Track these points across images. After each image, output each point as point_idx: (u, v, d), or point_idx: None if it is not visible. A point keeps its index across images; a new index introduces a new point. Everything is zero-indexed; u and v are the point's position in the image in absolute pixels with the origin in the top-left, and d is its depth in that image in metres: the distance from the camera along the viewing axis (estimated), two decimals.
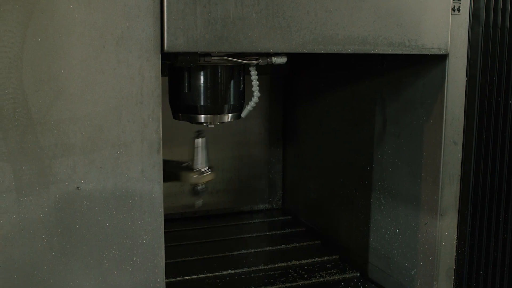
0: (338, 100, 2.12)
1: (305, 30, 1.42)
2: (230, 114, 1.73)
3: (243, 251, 2.12)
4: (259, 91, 1.68)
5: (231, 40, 1.36)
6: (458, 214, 1.69)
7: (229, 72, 1.70)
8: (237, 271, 1.96)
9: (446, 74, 1.58)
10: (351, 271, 1.98)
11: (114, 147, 1.31)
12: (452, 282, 1.72)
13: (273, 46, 1.40)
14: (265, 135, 2.53)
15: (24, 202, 1.26)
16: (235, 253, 2.10)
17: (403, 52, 1.53)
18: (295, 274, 1.95)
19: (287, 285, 1.88)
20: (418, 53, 1.54)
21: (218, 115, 1.71)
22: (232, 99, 1.72)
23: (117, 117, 1.30)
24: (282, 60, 1.58)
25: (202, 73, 1.67)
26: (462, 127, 1.64)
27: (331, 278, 1.94)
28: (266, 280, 1.89)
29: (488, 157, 1.70)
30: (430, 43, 1.55)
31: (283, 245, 2.19)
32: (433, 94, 1.63)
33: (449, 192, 1.66)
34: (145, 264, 1.38)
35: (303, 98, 2.38)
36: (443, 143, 1.62)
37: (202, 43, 1.33)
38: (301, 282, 1.89)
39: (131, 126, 1.31)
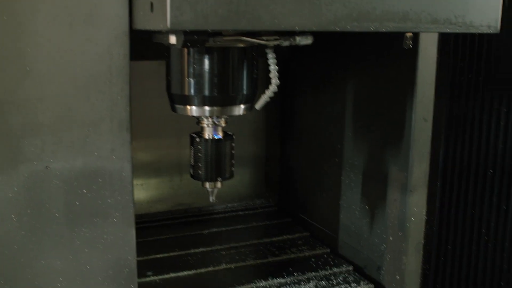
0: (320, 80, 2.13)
1: (337, 3, 1.22)
2: (242, 106, 1.52)
3: (214, 230, 2.13)
4: (278, 78, 1.45)
5: (249, 15, 1.15)
6: (428, 190, 1.71)
7: (241, 55, 1.47)
8: (208, 248, 1.97)
9: (418, 51, 1.59)
10: (321, 248, 2.01)
11: (83, 126, 1.30)
12: (421, 256, 1.75)
13: (299, 23, 1.20)
14: (262, 124, 2.42)
15: None
16: (206, 231, 2.11)
17: (448, 31, 1.36)
18: (266, 251, 1.96)
19: (258, 261, 1.89)
20: (465, 31, 1.37)
21: (228, 107, 1.50)
22: (245, 88, 1.50)
23: (85, 95, 1.29)
24: (307, 40, 1.36)
25: (208, 56, 1.44)
26: (432, 104, 1.65)
27: (302, 254, 1.96)
28: (237, 257, 1.91)
29: (458, 134, 1.72)
30: (479, 20, 1.37)
31: (254, 223, 2.21)
32: (404, 71, 1.64)
33: (419, 169, 1.68)
34: (116, 243, 1.38)
35: (303, 86, 2.27)
36: (413, 120, 1.64)
37: (213, 20, 1.13)
38: (272, 259, 1.91)
39: (100, 105, 1.30)
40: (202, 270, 1.81)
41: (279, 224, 2.23)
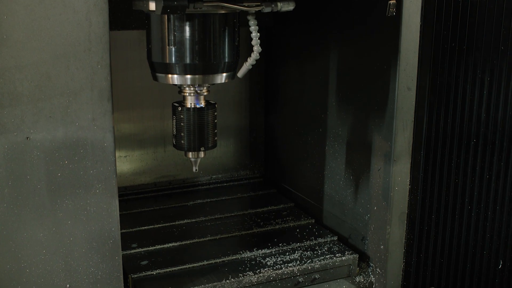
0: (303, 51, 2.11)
1: None
2: (224, 74, 1.50)
3: (198, 201, 2.13)
4: (260, 45, 1.45)
5: None
6: (411, 160, 1.71)
7: (222, 22, 1.45)
8: (193, 220, 1.97)
9: (402, 19, 1.57)
10: (306, 218, 2.01)
11: (63, 95, 1.28)
12: (405, 226, 1.76)
13: None
14: (246, 95, 2.39)
15: None
16: (190, 203, 2.11)
17: None
18: (251, 222, 1.96)
19: (243, 232, 1.89)
20: None
21: (210, 75, 1.48)
22: (226, 56, 1.48)
23: (65, 64, 1.26)
24: (289, 6, 1.39)
25: (189, 23, 1.42)
26: (416, 73, 1.64)
27: (287, 225, 1.96)
28: (222, 229, 1.91)
29: (441, 103, 1.72)
30: None
31: (239, 194, 2.20)
32: (387, 40, 1.63)
33: (403, 138, 1.68)
34: (99, 214, 1.37)
35: (286, 55, 2.23)
36: (397, 89, 1.63)
37: None
38: (257, 230, 1.91)
39: (79, 74, 1.28)
40: (187, 242, 1.81)
41: (264, 195, 2.22)
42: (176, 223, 1.93)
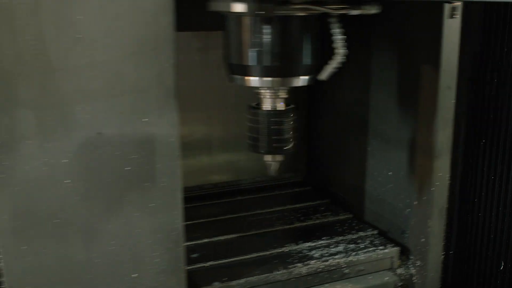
0: None
1: None
2: (305, 77, 1.49)
3: (238, 198, 2.19)
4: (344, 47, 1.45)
5: None
6: (450, 157, 1.78)
7: (305, 24, 1.44)
8: (235, 215, 2.03)
9: (444, 19, 1.64)
10: (344, 213, 2.07)
11: (133, 92, 1.34)
12: (444, 220, 1.82)
13: None
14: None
15: (48, 148, 1.28)
16: (230, 199, 2.18)
17: None
18: (291, 217, 2.02)
19: (285, 227, 1.96)
20: None
21: (290, 78, 1.47)
22: (308, 59, 1.46)
23: (134, 62, 1.32)
24: (375, 10, 1.39)
25: (272, 25, 1.40)
26: (456, 73, 1.71)
27: (326, 220, 2.02)
28: (265, 223, 1.97)
29: (478, 101, 1.78)
30: None
31: (276, 191, 2.26)
32: (430, 40, 1.69)
33: (444, 135, 1.74)
34: (164, 206, 1.42)
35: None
36: (438, 88, 1.70)
37: None
38: (298, 224, 1.98)
39: (148, 72, 1.34)
40: (233, 236, 1.87)
41: (300, 192, 2.28)
42: (219, 218, 1.99)
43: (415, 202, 1.82)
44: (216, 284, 1.60)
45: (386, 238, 1.92)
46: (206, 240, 1.83)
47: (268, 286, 1.65)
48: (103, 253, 1.39)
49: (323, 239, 1.86)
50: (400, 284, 1.82)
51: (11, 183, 1.27)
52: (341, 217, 2.04)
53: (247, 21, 1.44)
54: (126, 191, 1.38)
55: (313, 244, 1.83)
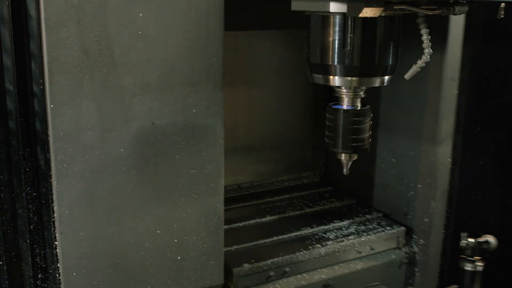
0: None
1: None
2: (385, 77, 1.51)
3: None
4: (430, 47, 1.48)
5: None
6: (452, 142, 1.93)
7: (390, 24, 1.46)
8: (247, 204, 2.13)
9: (449, 16, 1.78)
10: (348, 199, 2.20)
11: (184, 85, 1.42)
12: (446, 201, 1.98)
13: None
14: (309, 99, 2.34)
15: (107, 138, 1.36)
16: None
17: None
18: (300, 204, 2.14)
19: (297, 213, 2.07)
20: None
21: (371, 78, 1.49)
22: (389, 59, 1.48)
23: (187, 57, 1.41)
24: (464, 9, 1.40)
25: (361, 26, 1.41)
26: (459, 65, 1.86)
27: (333, 205, 2.15)
28: (277, 210, 2.08)
29: (479, 92, 1.94)
30: None
31: (284, 178, 2.36)
32: (436, 35, 1.83)
33: (447, 123, 1.90)
34: (208, 192, 1.52)
35: None
36: (443, 79, 1.84)
37: None
38: (308, 210, 2.10)
39: (198, 66, 1.43)
40: (251, 222, 1.98)
41: (304, 182, 2.39)
42: (234, 206, 2.09)
43: (419, 185, 1.97)
44: (246, 265, 1.70)
45: (391, 220, 2.06)
46: (226, 226, 1.93)
47: (292, 266, 1.77)
48: (152, 237, 1.47)
49: (334, 222, 1.98)
50: (405, 261, 1.97)
51: (72, 172, 1.34)
52: (346, 202, 2.17)
53: (333, 21, 1.46)
54: (175, 178, 1.47)
55: (326, 227, 1.96)
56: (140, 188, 1.43)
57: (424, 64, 1.55)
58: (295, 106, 2.30)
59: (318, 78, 1.53)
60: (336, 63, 1.47)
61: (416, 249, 2.00)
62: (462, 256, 1.56)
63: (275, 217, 2.02)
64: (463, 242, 1.57)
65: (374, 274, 1.90)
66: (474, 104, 1.94)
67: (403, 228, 1.99)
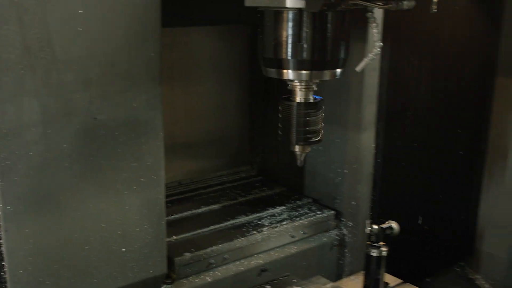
0: None
1: None
2: (339, 70, 1.55)
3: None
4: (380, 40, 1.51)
5: None
6: (375, 129, 2.06)
7: (342, 18, 1.49)
8: (181, 196, 2.18)
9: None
10: (278, 187, 2.29)
11: (124, 80, 1.45)
12: (371, 184, 2.11)
13: None
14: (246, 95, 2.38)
15: (50, 134, 1.37)
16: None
17: None
18: (232, 194, 2.21)
19: (230, 202, 2.14)
20: None
21: (324, 71, 1.52)
22: (341, 52, 1.52)
23: (126, 53, 1.44)
24: (411, 3, 1.43)
25: (313, 20, 1.43)
26: (379, 56, 1.98)
27: (264, 193, 2.24)
28: (211, 201, 2.13)
29: (399, 81, 2.08)
30: None
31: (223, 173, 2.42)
32: (359, 31, 1.94)
33: (369, 110, 2.02)
34: (149, 184, 1.55)
35: None
36: (365, 70, 1.95)
37: None
38: (241, 199, 2.17)
39: (137, 61, 1.46)
40: (186, 213, 2.02)
41: (241, 173, 2.46)
42: (169, 199, 2.12)
43: (346, 171, 2.08)
44: (187, 254, 1.75)
45: (321, 205, 2.16)
46: None
47: (230, 253, 1.83)
48: (97, 230, 1.49)
49: (268, 209, 2.06)
50: (336, 243, 2.08)
51: (16, 169, 1.34)
52: (277, 190, 2.26)
53: (287, 16, 1.48)
54: (117, 171, 1.49)
55: (260, 214, 2.03)
56: (83, 182, 1.45)
57: (374, 57, 1.60)
58: (232, 102, 2.34)
59: (272, 72, 1.55)
60: (289, 57, 1.50)
61: (345, 231, 2.12)
62: (368, 242, 1.64)
63: (210, 207, 2.08)
64: (367, 229, 1.64)
65: (307, 256, 2.00)
66: (393, 92, 2.07)
67: (332, 212, 2.10)
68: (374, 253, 1.65)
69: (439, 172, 2.31)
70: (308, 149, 1.63)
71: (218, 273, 1.80)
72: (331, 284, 1.46)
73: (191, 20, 1.88)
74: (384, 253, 1.66)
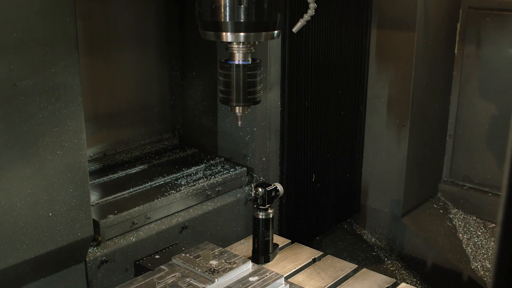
0: None
1: None
2: (274, 32, 1.58)
3: None
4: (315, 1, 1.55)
5: None
6: (280, 88, 2.17)
7: None
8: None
9: None
10: (190, 149, 2.37)
11: (42, 46, 1.47)
12: (279, 140, 2.23)
13: None
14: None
15: None
16: None
17: None
18: (146, 158, 2.26)
19: (146, 165, 2.19)
20: None
21: (261, 33, 1.55)
22: (278, 14, 1.55)
23: (42, 18, 1.46)
24: None
25: None
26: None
27: (178, 155, 2.30)
28: (127, 166, 2.18)
29: (300, 44, 2.20)
30: None
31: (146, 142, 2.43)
32: None
33: (274, 70, 2.13)
34: (72, 148, 1.59)
35: None
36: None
37: None
38: (156, 162, 2.23)
39: (54, 26, 1.48)
40: (104, 178, 2.06)
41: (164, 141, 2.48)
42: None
43: (255, 129, 2.19)
44: (111, 216, 1.80)
45: (233, 163, 2.27)
46: None
47: (152, 212, 1.90)
48: (23, 196, 1.51)
49: (183, 170, 2.14)
50: (249, 198, 2.19)
51: None
52: (189, 152, 2.34)
53: None
54: (40, 137, 1.51)
55: (176, 175, 2.11)
56: (7, 150, 1.46)
57: (310, 18, 1.65)
58: (152, 70, 2.35)
59: (210, 35, 1.58)
60: (228, 20, 1.53)
61: None
62: (254, 205, 1.68)
63: (127, 171, 2.13)
64: (252, 193, 1.68)
65: (224, 212, 2.10)
66: (291, 54, 2.19)
67: (244, 168, 2.20)
68: (261, 215, 1.68)
69: (327, 131, 2.46)
70: (248, 109, 1.67)
71: (142, 233, 1.86)
72: (219, 249, 1.54)
73: None
74: (271, 215, 1.69)
